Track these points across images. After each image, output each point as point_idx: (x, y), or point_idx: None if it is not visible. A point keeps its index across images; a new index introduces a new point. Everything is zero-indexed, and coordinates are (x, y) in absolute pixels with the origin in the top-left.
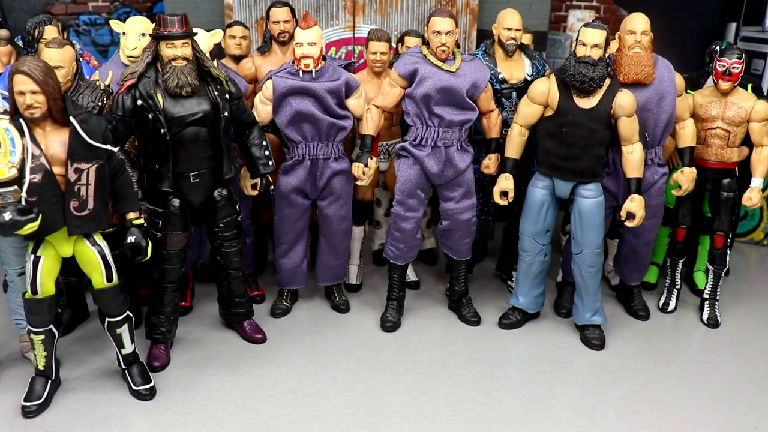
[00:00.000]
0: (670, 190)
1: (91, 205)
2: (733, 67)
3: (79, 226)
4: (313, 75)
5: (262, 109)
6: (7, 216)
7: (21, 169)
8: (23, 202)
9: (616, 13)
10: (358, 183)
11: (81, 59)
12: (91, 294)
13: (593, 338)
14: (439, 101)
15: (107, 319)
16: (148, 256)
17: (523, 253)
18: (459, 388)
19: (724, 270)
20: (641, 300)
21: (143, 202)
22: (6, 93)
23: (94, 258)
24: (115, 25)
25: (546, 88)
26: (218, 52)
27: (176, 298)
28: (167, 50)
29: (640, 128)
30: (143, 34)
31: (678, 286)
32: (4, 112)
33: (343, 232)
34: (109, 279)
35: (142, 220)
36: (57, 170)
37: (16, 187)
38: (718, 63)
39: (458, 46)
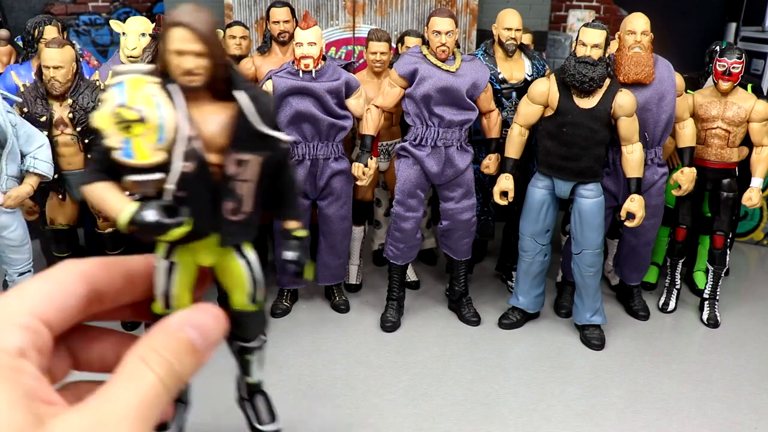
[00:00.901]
0: (670, 190)
1: (247, 207)
2: (733, 67)
3: (233, 234)
4: (313, 75)
5: None
6: (151, 216)
7: (169, 153)
8: (169, 197)
9: (616, 13)
10: (358, 183)
11: (81, 59)
12: (229, 314)
13: (593, 338)
14: (439, 101)
15: (240, 344)
16: (311, 277)
17: (522, 253)
18: (459, 388)
19: (724, 270)
20: (641, 300)
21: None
22: (6, 93)
23: (239, 272)
24: (115, 25)
25: (546, 88)
26: None
27: None
28: None
29: (640, 128)
30: (143, 34)
31: (678, 286)
32: (148, 73)
33: (343, 232)
34: (253, 300)
35: (305, 232)
36: (212, 159)
37: (162, 174)
38: (718, 63)
39: (458, 46)
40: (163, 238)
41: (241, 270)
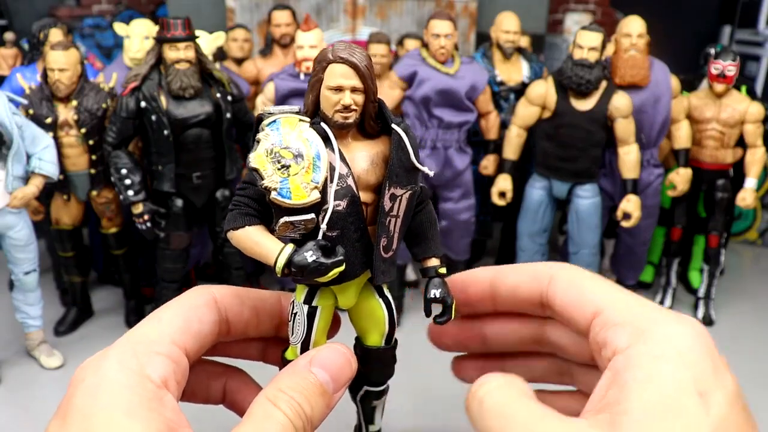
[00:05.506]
0: (666, 191)
1: (395, 244)
2: (728, 70)
3: (384, 271)
4: None
5: None
6: (310, 257)
7: (323, 192)
8: (320, 236)
9: (612, 16)
10: None
11: (85, 62)
12: (359, 353)
13: None
14: (438, 103)
15: (367, 388)
16: (452, 316)
17: (521, 253)
18: (460, 385)
19: (719, 269)
20: None
21: (147, 202)
22: (12, 95)
23: (380, 313)
24: (118, 28)
25: (543, 90)
26: (220, 54)
27: None
28: (170, 53)
29: (636, 130)
30: (147, 37)
31: (673, 285)
32: (298, 113)
33: None
34: (389, 340)
35: (445, 269)
36: (362, 196)
37: (312, 215)
38: (712, 65)
39: (457, 49)
40: (321, 279)
41: (381, 310)
